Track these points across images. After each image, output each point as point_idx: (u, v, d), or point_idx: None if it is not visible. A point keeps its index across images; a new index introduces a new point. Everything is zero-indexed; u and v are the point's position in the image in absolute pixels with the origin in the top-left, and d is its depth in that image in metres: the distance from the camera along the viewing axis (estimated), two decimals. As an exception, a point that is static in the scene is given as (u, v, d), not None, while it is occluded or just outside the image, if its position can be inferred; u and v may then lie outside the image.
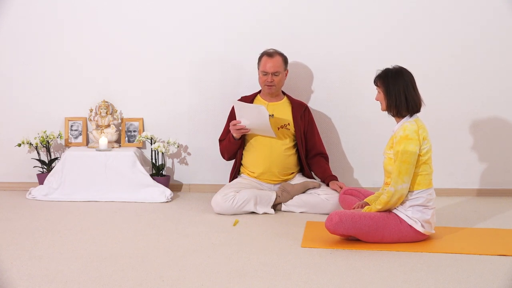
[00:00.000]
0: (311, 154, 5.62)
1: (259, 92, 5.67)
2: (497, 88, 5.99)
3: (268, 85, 5.51)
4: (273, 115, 5.50)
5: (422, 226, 4.42)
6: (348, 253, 4.24)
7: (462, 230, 4.78)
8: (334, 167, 5.93)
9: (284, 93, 5.70)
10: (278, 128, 5.48)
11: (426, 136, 4.43)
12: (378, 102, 4.58)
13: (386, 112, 4.54)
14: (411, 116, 4.46)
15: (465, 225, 4.96)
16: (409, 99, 4.42)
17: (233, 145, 5.51)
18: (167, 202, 5.69)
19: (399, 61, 5.84)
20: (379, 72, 4.55)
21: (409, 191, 4.42)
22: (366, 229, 4.36)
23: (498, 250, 4.29)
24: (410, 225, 4.41)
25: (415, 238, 4.44)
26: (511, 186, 6.08)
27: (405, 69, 4.52)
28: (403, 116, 4.47)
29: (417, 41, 5.95)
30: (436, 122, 5.88)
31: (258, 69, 5.55)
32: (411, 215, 4.41)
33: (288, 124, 5.53)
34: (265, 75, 5.49)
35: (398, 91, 4.43)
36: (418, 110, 4.48)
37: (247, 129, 5.38)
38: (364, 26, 5.96)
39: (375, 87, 4.57)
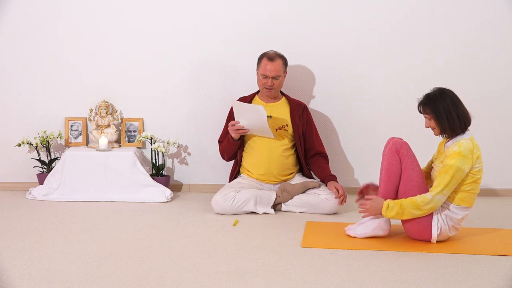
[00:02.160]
0: (310, 154, 5.62)
1: (257, 92, 5.67)
2: (496, 87, 6.00)
3: (267, 89, 5.50)
4: (270, 116, 5.49)
5: (437, 236, 4.43)
6: (348, 253, 4.24)
7: (461, 230, 4.78)
8: (334, 167, 5.93)
9: (282, 93, 5.69)
10: (276, 130, 5.47)
11: (479, 156, 4.40)
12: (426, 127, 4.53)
13: (441, 136, 4.52)
14: (464, 132, 4.44)
15: (465, 225, 4.96)
16: (460, 116, 4.38)
17: (233, 146, 5.51)
18: (167, 202, 5.69)
19: (399, 60, 5.89)
20: (420, 99, 4.49)
21: (453, 204, 4.41)
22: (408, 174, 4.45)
23: (498, 250, 4.29)
24: (431, 225, 4.42)
25: (418, 235, 4.47)
26: (510, 186, 6.08)
27: (445, 88, 4.48)
28: (457, 134, 4.44)
29: (417, 41, 5.95)
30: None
31: (257, 70, 5.53)
32: (441, 221, 4.42)
33: (286, 125, 5.52)
34: (265, 78, 5.47)
35: (449, 112, 4.37)
36: (469, 124, 4.44)
37: (245, 129, 5.37)
38: (364, 26, 5.95)
39: (423, 115, 4.51)
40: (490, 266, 3.99)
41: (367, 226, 4.58)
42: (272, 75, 5.43)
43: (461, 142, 4.36)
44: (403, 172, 4.47)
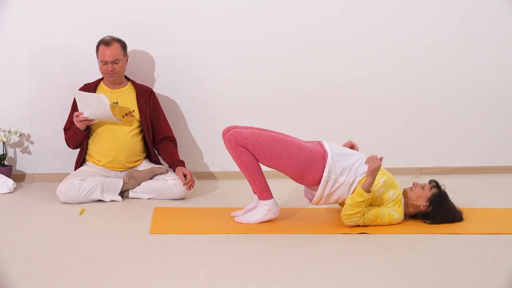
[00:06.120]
0: (158, 139, 5.60)
1: (102, 79, 5.58)
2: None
3: (109, 74, 5.43)
4: (117, 103, 5.43)
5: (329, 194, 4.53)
6: (196, 238, 4.26)
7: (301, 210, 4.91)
8: (183, 152, 5.94)
9: (128, 79, 5.63)
10: (123, 116, 5.42)
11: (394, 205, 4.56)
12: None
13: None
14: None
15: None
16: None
17: (79, 136, 5.41)
18: (10, 193, 5.52)
19: (243, 47, 5.94)
20: (440, 190, 4.63)
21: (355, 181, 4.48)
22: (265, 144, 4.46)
23: (343, 230, 4.44)
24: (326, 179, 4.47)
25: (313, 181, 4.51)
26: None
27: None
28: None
29: (261, 28, 6.04)
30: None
31: (98, 58, 5.45)
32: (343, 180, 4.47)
33: (133, 111, 5.47)
34: (105, 64, 5.40)
35: (443, 219, 4.58)
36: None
37: (90, 119, 5.28)
38: (210, 12, 5.98)
39: (427, 184, 4.63)
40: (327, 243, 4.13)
41: (259, 212, 4.59)
42: (110, 60, 5.38)
43: (399, 210, 4.53)
44: (260, 156, 4.48)
